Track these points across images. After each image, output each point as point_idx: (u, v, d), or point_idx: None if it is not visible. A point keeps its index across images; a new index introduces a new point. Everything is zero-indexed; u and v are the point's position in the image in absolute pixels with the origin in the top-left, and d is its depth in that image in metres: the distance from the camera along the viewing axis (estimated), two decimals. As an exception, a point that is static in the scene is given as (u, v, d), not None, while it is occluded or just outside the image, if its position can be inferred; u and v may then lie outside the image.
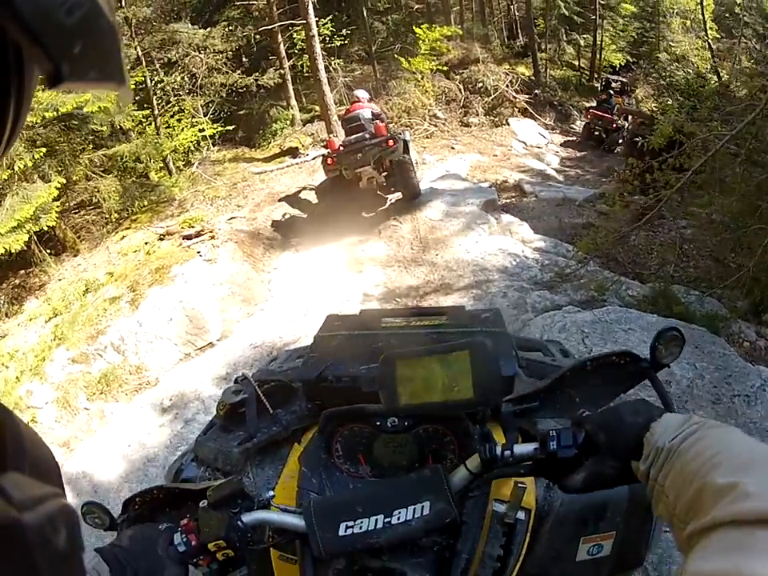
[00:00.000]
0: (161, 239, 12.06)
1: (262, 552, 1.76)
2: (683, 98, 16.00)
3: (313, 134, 18.19)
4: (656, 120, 13.27)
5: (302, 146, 17.52)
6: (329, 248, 11.57)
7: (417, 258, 10.67)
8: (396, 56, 20.12)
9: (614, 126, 19.71)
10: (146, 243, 12.05)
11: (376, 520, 1.52)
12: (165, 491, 1.87)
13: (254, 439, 2.04)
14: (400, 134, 12.44)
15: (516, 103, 20.33)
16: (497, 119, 20.49)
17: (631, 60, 26.92)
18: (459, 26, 22.64)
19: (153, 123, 15.87)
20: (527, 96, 21.52)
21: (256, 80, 18.28)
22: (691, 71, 20.58)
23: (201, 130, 16.84)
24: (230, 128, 17.96)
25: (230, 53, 18.11)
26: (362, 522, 1.52)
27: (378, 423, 1.82)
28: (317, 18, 16.91)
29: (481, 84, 21.06)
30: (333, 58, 19.76)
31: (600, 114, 20.00)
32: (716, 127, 8.67)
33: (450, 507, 1.51)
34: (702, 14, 23.31)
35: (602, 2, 25.87)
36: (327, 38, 19.41)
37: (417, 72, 19.86)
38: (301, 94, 20.02)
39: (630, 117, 19.92)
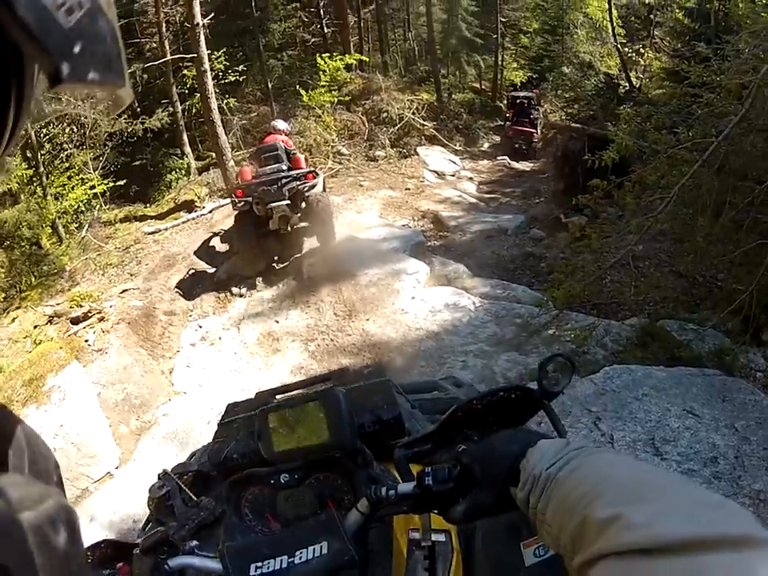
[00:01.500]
0: (50, 322, 10.68)
1: None
2: (594, 104, 16.77)
3: (209, 183, 16.41)
4: (588, 132, 13.05)
5: (198, 198, 15.91)
6: (236, 322, 10.18)
7: (343, 327, 9.30)
8: (297, 88, 18.84)
9: (534, 136, 20.84)
10: (34, 327, 10.70)
11: (281, 560, 1.56)
12: (110, 544, 1.85)
13: (185, 527, 1.89)
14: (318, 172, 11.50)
15: (424, 131, 19.17)
16: (404, 150, 19.36)
17: (533, 76, 26.21)
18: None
19: (39, 184, 14.27)
20: (433, 123, 20.63)
21: (143, 122, 16.33)
22: (599, 78, 20.08)
23: (92, 188, 15.08)
24: (121, 183, 15.97)
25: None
26: (269, 563, 1.57)
27: (273, 481, 1.85)
28: (209, 51, 15.29)
29: (385, 114, 19.69)
30: (227, 97, 18.21)
31: (522, 129, 20.77)
32: (686, 136, 7.83)
33: (345, 547, 1.53)
34: (611, 19, 22.58)
35: (504, 20, 25.54)
36: (221, 74, 17.79)
37: (317, 106, 18.32)
38: (196, 141, 18.65)
39: (555, 131, 19.49)
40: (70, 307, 10.84)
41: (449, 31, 24.56)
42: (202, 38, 14.30)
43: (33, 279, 12.87)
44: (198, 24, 13.79)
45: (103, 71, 0.48)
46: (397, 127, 19.63)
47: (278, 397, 2.50)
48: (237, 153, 16.93)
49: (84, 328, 10.08)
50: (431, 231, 13.35)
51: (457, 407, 1.63)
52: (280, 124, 12.27)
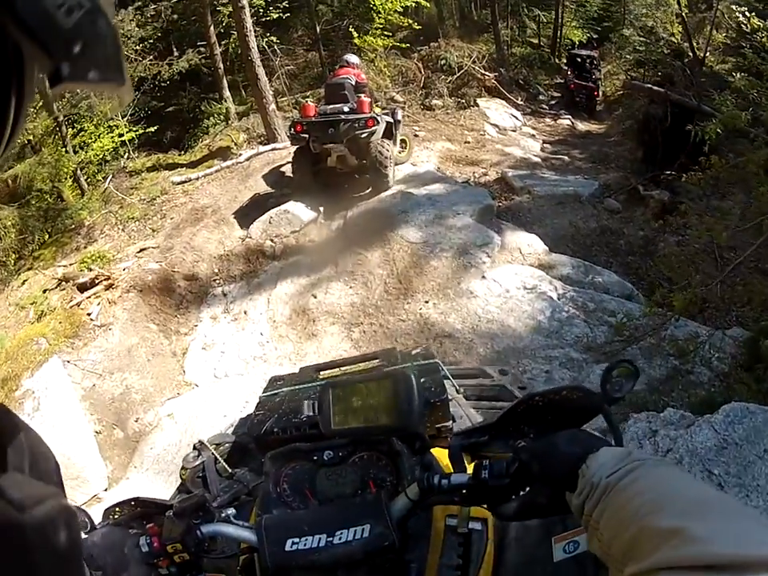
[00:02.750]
0: (58, 286, 9.58)
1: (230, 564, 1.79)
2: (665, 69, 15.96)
3: (248, 128, 14.71)
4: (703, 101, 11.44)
5: (235, 144, 13.99)
6: (266, 294, 8.61)
7: (396, 309, 7.82)
8: (348, 31, 16.60)
9: (595, 93, 19.85)
10: (43, 292, 9.61)
11: (319, 538, 1.51)
12: (141, 503, 1.83)
13: (217, 499, 1.95)
14: (392, 110, 11.28)
15: (485, 81, 17.16)
16: (463, 100, 17.08)
17: (593, 36, 24.48)
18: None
19: (59, 134, 12.88)
20: (494, 74, 18.66)
21: (170, 64, 14.75)
22: (662, 45, 18.67)
23: (119, 135, 13.57)
24: (152, 129, 14.32)
25: (151, 40, 15.03)
26: (306, 540, 1.52)
27: (316, 458, 1.80)
28: None
29: (443, 61, 17.68)
30: (268, 35, 16.21)
31: (583, 83, 19.44)
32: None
33: (388, 531, 1.49)
34: None
35: None
36: (261, 11, 15.76)
37: (370, 50, 16.47)
38: (239, 85, 16.64)
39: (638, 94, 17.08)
40: (79, 270, 9.69)
41: None
42: None
43: (46, 236, 11.91)
44: None
45: (103, 71, 0.48)
46: (455, 76, 17.40)
47: (322, 373, 2.44)
48: (282, 99, 15.40)
49: (89, 298, 8.82)
50: (495, 192, 11.26)
51: (517, 402, 1.63)
52: (352, 58, 11.58)
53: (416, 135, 14.36)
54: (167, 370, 7.67)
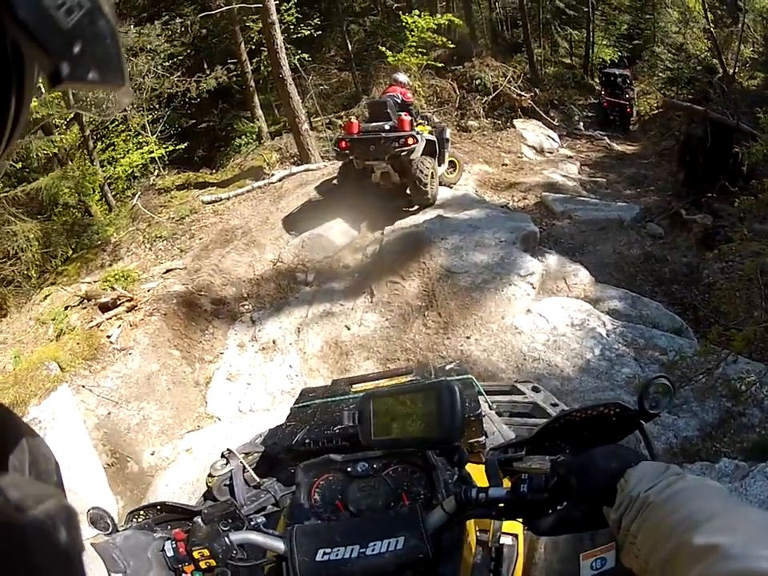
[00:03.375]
0: (81, 303, 9.32)
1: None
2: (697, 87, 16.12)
3: (280, 148, 14.43)
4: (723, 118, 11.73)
5: (267, 164, 13.86)
6: (297, 322, 8.23)
7: (436, 345, 7.32)
8: (381, 50, 16.05)
9: (628, 110, 19.94)
10: (65, 308, 9.36)
11: (352, 549, 1.51)
12: (166, 507, 1.87)
13: (243, 508, 2.02)
14: (440, 129, 11.21)
15: (521, 102, 16.59)
16: (499, 121, 17.02)
17: (624, 55, 24.61)
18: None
19: (85, 148, 12.72)
20: (530, 94, 18.44)
21: (197, 81, 14.32)
22: (694, 62, 19.54)
23: (150, 152, 13.42)
24: (181, 147, 14.12)
25: (180, 57, 14.79)
26: (338, 551, 1.52)
27: (349, 469, 1.82)
28: (277, 2, 13.27)
29: (478, 81, 17.38)
30: (299, 53, 15.79)
31: (616, 101, 19.69)
32: None
33: (423, 544, 1.50)
34: (703, 1, 20.38)
35: None
36: (291, 27, 15.39)
37: (404, 69, 15.49)
38: (272, 104, 16.56)
39: (675, 113, 17.01)
40: (103, 289, 9.30)
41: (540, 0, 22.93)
42: None
43: (70, 252, 11.68)
44: None
45: (103, 71, 0.48)
46: (491, 96, 17.18)
47: (355, 386, 2.51)
48: (315, 119, 15.17)
49: (109, 319, 8.50)
50: (536, 216, 10.82)
51: (555, 417, 1.66)
52: (401, 76, 11.83)
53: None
54: (188, 400, 7.35)
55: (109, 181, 12.73)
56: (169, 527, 1.78)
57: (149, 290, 9.00)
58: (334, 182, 11.27)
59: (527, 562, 1.73)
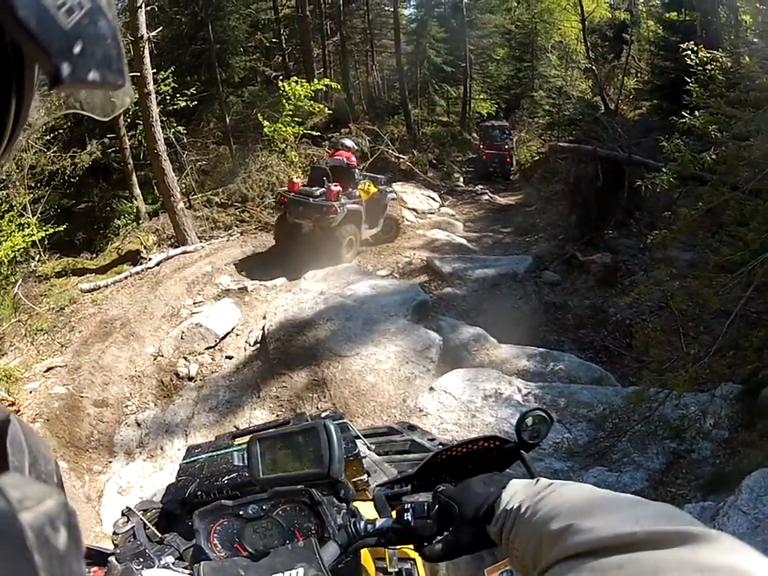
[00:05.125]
0: None
1: None
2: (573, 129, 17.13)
3: (158, 230, 14.11)
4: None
5: (144, 247, 13.38)
6: (183, 425, 7.79)
7: None
8: (259, 119, 16.17)
9: (508, 159, 21.06)
10: None
11: None
12: (85, 550, 1.36)
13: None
14: (384, 193, 12.87)
15: (399, 164, 16.52)
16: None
17: (501, 106, 25.93)
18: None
19: None
20: (408, 156, 18.95)
21: (72, 157, 13.83)
22: (574, 102, 19.67)
23: (31, 234, 12.68)
24: (61, 229, 13.31)
25: (62, 128, 13.77)
26: None
27: (241, 513, 1.81)
28: (154, 71, 13.13)
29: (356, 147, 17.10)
30: (175, 126, 15.47)
31: (495, 152, 20.64)
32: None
33: (321, 573, 1.54)
34: (585, 40, 22.44)
35: (471, 48, 24.48)
36: (168, 98, 15.11)
37: (280, 141, 16.12)
38: (151, 182, 15.72)
39: (560, 156, 17.19)
40: None
41: (418, 59, 23.63)
42: (147, 53, 12.39)
43: None
44: (142, 37, 11.95)
45: (104, 71, 0.48)
46: (368, 162, 17.44)
47: (237, 440, 2.54)
48: (194, 196, 14.92)
49: None
50: (424, 283, 10.79)
51: (436, 453, 1.76)
52: (347, 141, 13.26)
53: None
54: (82, 519, 6.58)
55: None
56: (88, 567, 1.77)
57: (31, 392, 8.48)
58: (197, 274, 11.64)
59: None
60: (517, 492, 1.20)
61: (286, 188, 12.40)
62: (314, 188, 11.53)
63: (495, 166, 20.72)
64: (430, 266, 11.41)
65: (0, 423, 0.59)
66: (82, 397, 8.30)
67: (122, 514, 2.12)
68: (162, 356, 8.91)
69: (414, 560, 1.80)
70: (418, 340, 7.85)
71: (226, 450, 2.44)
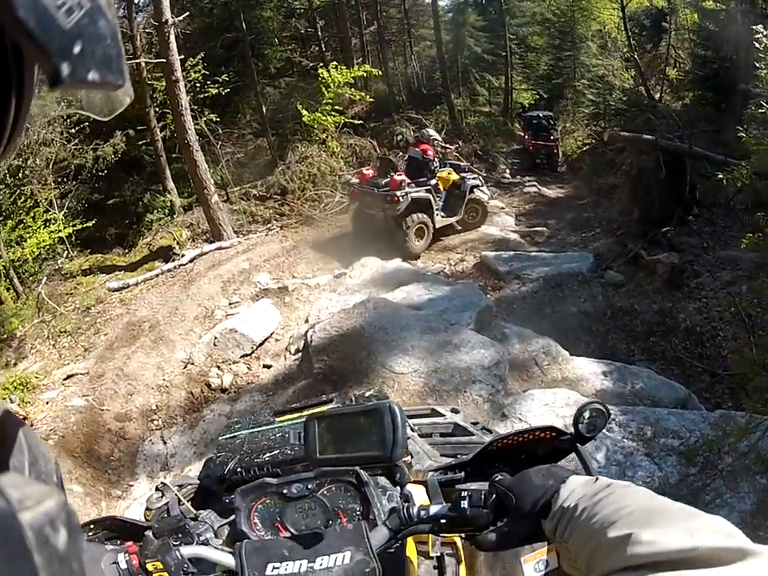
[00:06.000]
0: None
1: None
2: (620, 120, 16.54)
3: (192, 224, 13.50)
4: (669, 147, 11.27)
5: (177, 243, 12.90)
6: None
7: None
8: (297, 109, 15.67)
9: (555, 151, 20.31)
10: None
11: (300, 564, 1.52)
12: (117, 522, 1.93)
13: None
14: (471, 178, 13.11)
15: (447, 154, 15.51)
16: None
17: (543, 95, 25.13)
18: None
19: None
20: (454, 146, 17.50)
21: (95, 149, 13.29)
22: (618, 92, 19.02)
23: (58, 230, 12.25)
24: (89, 224, 12.78)
25: (88, 121, 12.91)
26: (287, 565, 1.52)
27: (285, 492, 1.75)
28: (182, 57, 12.34)
29: (399, 136, 17.17)
30: (206, 114, 14.77)
31: (542, 143, 19.99)
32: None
33: (369, 558, 1.49)
34: (626, 28, 21.13)
35: (512, 37, 23.64)
36: (198, 86, 14.51)
37: (320, 131, 15.43)
38: (186, 175, 14.83)
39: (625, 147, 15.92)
40: (2, 398, 8.21)
41: (458, 48, 22.90)
42: (173, 38, 11.64)
43: None
44: (166, 21, 11.23)
45: (103, 71, 0.48)
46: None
47: (278, 418, 2.47)
48: (231, 189, 14.31)
49: None
50: (478, 280, 10.07)
51: (491, 441, 1.77)
52: (430, 131, 13.49)
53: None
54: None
55: (18, 263, 11.51)
56: (118, 542, 1.74)
57: (47, 402, 7.89)
58: (233, 272, 11.42)
59: (469, 569, 1.81)
60: (575, 489, 1.17)
61: (357, 179, 12.97)
62: (380, 179, 11.84)
63: (542, 157, 20.13)
64: (484, 263, 10.66)
65: (0, 423, 0.59)
66: (102, 410, 7.63)
67: (157, 489, 2.05)
68: (193, 364, 8.21)
69: (454, 543, 1.80)
70: (485, 354, 6.69)
71: (267, 427, 2.39)
